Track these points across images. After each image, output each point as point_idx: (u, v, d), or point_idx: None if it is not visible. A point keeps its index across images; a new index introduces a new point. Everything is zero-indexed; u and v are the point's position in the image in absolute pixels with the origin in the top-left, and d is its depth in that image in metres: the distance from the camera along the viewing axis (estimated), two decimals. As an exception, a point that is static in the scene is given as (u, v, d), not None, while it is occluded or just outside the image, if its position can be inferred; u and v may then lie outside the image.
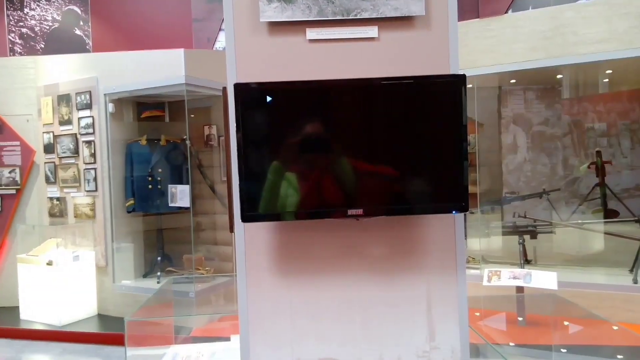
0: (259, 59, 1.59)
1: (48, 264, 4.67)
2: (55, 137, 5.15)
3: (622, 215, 4.86)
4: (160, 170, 5.04)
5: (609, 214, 4.90)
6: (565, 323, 3.23)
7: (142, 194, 5.01)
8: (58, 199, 5.18)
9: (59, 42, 7.26)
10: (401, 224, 1.62)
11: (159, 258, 5.21)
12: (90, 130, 4.93)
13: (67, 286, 4.70)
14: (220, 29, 7.29)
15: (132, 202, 5.01)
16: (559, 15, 4.21)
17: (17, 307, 4.90)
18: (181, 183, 4.93)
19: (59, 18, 7.33)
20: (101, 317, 4.89)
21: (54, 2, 7.29)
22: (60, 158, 5.13)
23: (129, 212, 5.06)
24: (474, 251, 4.96)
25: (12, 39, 7.21)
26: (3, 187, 5.30)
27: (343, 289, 1.62)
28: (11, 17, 7.21)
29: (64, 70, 5.16)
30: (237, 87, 1.45)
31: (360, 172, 1.46)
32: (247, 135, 1.45)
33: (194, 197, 4.98)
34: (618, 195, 4.91)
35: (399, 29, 1.58)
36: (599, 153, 4.97)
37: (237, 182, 1.48)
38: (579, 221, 4.96)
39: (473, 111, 4.87)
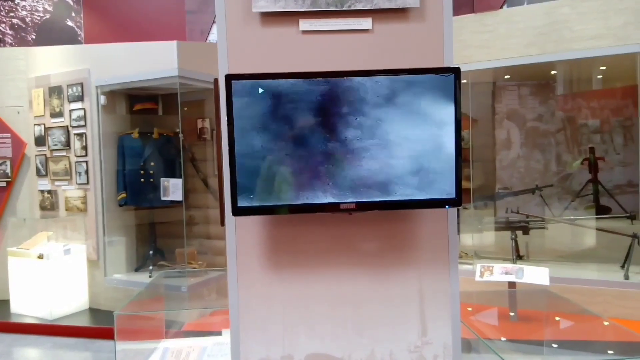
0: (251, 50, 1.56)
1: (39, 257, 4.63)
2: (46, 129, 5.09)
3: (614, 211, 4.89)
4: (152, 163, 5.00)
5: (601, 210, 4.93)
6: (557, 318, 3.24)
7: (134, 188, 4.98)
8: (49, 191, 5.14)
9: (50, 33, 7.17)
10: (394, 218, 1.60)
11: (151, 252, 5.18)
12: (82, 123, 4.88)
13: (58, 280, 4.67)
14: (213, 22, 7.23)
15: (124, 195, 4.97)
16: (555, 10, 4.21)
17: (8, 301, 4.87)
18: (174, 177, 4.89)
19: (50, 9, 7.23)
20: (92, 311, 4.86)
21: (45, -8, 7.20)
22: (52, 150, 5.08)
23: (120, 205, 5.02)
24: (467, 246, 4.97)
25: (3, 30, 7.11)
26: (-7, 179, 5.25)
27: (335, 284, 1.61)
28: (2, 8, 7.11)
29: (56, 62, 5.09)
30: (229, 78, 1.42)
31: (353, 165, 1.45)
32: (238, 127, 1.43)
33: (186, 191, 4.95)
34: (610, 191, 4.94)
35: (393, 21, 1.56)
36: (592, 149, 4.99)
37: (228, 175, 1.46)
38: (571, 217, 4.98)
39: (467, 107, 4.87)
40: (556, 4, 4.21)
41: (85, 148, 4.88)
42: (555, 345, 3.03)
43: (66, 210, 5.03)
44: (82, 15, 7.25)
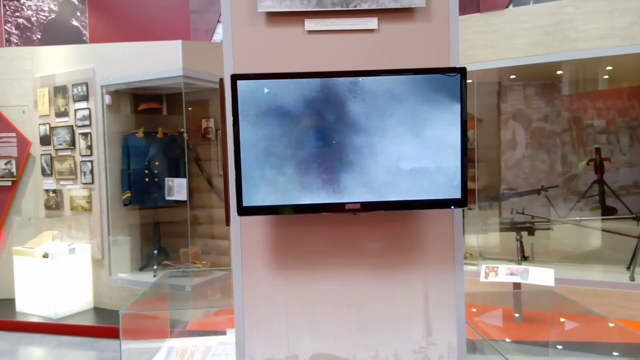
0: (256, 50, 1.56)
1: (44, 256, 4.64)
2: (51, 128, 5.11)
3: (619, 212, 4.86)
4: (157, 163, 5.01)
5: (607, 211, 4.90)
6: (562, 320, 3.22)
7: (138, 187, 4.99)
8: (54, 191, 5.15)
9: (55, 33, 7.20)
10: (399, 218, 1.60)
11: (155, 251, 5.19)
12: (87, 122, 4.89)
13: (63, 279, 4.68)
14: (218, 21, 7.23)
15: (128, 194, 4.98)
16: (560, 10, 4.19)
17: (13, 300, 4.89)
18: (178, 176, 4.90)
19: (55, 8, 7.26)
20: (97, 310, 4.87)
21: (51, -8, 7.23)
22: (57, 150, 5.09)
23: (125, 205, 5.03)
24: (472, 247, 4.96)
25: (9, 30, 7.15)
26: (-1, 178, 5.27)
27: (339, 284, 1.61)
28: (7, 7, 7.15)
29: (61, 62, 5.11)
30: (234, 78, 1.42)
31: (359, 165, 1.44)
32: (244, 127, 1.42)
33: (191, 191, 4.95)
34: (616, 192, 4.91)
35: (399, 21, 1.55)
36: (597, 150, 4.97)
37: (234, 175, 1.46)
38: (577, 218, 4.96)
39: (472, 107, 4.85)
40: (561, 3, 4.19)
41: (90, 147, 4.89)
42: (560, 347, 3.01)
43: (71, 209, 5.05)
44: (87, 15, 7.28)
